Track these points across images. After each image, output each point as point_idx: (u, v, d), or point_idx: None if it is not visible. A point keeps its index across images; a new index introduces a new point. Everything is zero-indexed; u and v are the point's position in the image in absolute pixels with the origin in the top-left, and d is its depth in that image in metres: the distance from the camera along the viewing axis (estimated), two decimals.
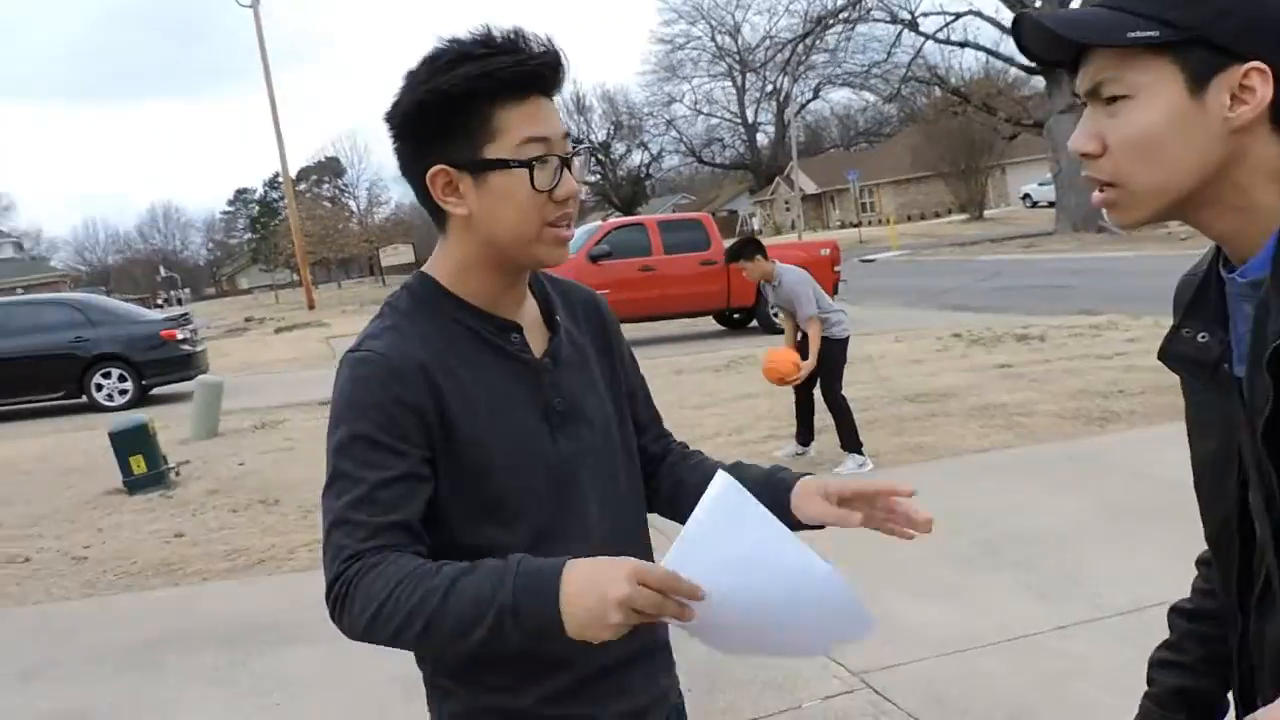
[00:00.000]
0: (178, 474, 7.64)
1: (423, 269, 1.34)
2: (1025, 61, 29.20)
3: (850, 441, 6.33)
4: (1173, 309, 1.10)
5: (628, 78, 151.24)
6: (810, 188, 57.96)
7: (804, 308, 6.20)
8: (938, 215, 51.07)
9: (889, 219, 43.43)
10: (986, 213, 45.64)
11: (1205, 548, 1.18)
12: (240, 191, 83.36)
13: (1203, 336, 1.03)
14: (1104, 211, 1.04)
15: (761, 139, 73.22)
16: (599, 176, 71.24)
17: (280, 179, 42.94)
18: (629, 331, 11.73)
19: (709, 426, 7.96)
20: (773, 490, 1.35)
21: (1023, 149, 45.28)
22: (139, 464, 7.29)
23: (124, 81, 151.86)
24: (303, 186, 62.26)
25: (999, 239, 31.75)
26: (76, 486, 7.81)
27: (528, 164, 1.19)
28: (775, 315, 6.81)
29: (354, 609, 1.12)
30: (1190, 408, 1.10)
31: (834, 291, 14.57)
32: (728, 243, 15.04)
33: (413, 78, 1.21)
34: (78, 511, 7.00)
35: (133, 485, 7.28)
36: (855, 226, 47.16)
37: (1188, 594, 1.29)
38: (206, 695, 3.82)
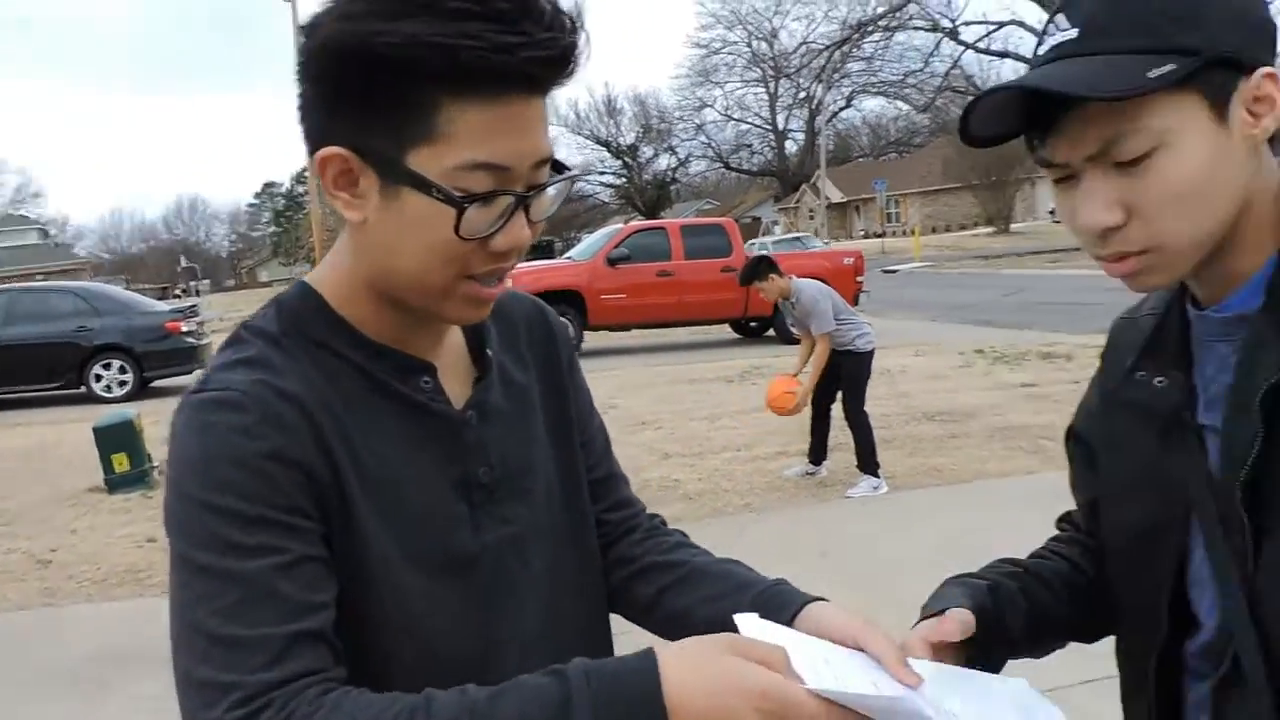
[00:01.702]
0: (161, 473, 7.35)
1: (306, 278, 0.94)
2: None
3: (868, 462, 5.96)
4: (1108, 352, 1.04)
5: (661, 81, 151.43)
6: (836, 196, 57.43)
7: (819, 323, 5.85)
8: (963, 228, 50.42)
9: (914, 230, 42.86)
10: (1013, 226, 44.98)
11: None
12: (267, 185, 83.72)
13: (1160, 381, 0.93)
14: (1131, 282, 0.88)
15: (790, 146, 72.78)
16: (624, 179, 71.02)
17: (306, 173, 42.93)
18: (645, 337, 11.40)
19: (717, 441, 7.60)
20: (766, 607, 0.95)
21: None
22: (121, 462, 7.03)
23: (157, 75, 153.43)
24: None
25: (1024, 253, 31.25)
26: (58, 483, 7.55)
27: (460, 204, 0.79)
28: (793, 327, 6.48)
29: None
30: (1114, 465, 1.00)
31: (855, 302, 14.21)
32: (749, 243, 14.82)
33: (346, 5, 0.79)
34: (54, 511, 6.74)
35: (113, 484, 7.01)
36: (879, 237, 46.62)
37: None
38: None
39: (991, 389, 8.98)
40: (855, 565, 4.68)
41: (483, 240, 0.82)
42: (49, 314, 12.79)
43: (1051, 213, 47.48)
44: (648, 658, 0.73)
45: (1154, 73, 0.77)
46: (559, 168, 0.88)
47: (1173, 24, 0.79)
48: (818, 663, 0.78)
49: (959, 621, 0.94)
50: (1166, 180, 0.80)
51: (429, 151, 0.79)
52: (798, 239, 30.29)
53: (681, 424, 8.33)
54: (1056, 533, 1.21)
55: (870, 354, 6.02)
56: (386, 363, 0.90)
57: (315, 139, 0.83)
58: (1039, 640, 1.06)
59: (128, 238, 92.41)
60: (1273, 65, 0.82)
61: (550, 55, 0.78)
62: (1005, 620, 1.00)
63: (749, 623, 0.83)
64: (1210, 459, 0.89)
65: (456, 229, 0.80)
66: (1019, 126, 0.85)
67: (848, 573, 4.58)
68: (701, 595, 1.01)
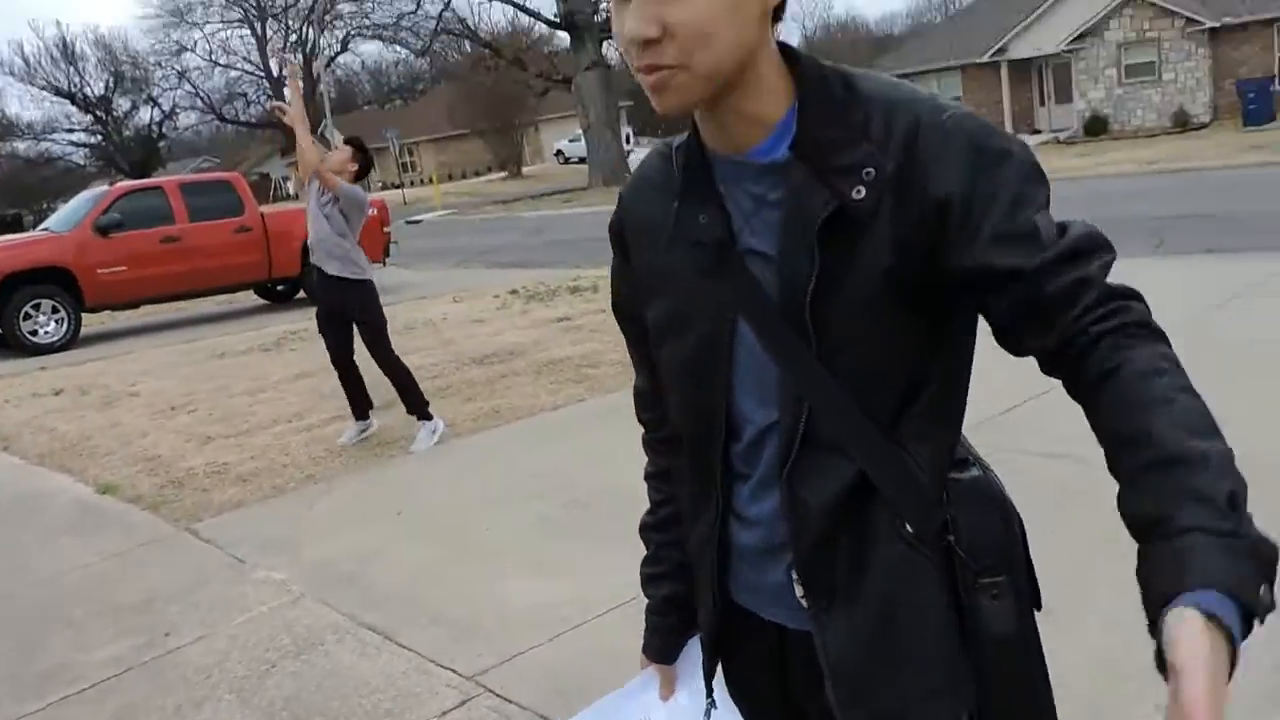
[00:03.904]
0: None
1: None
2: (549, 17, 29.84)
3: (416, 406, 5.86)
4: (624, 217, 1.21)
5: (127, 20, 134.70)
6: None
7: (350, 196, 5.54)
8: (479, 174, 51.68)
9: (432, 178, 43.08)
10: (525, 169, 47.05)
11: (656, 463, 1.35)
12: None
13: (703, 217, 1.08)
14: (654, 98, 1.02)
15: (289, 95, 68.91)
16: (100, 137, 62.76)
17: None
18: (153, 314, 10.23)
19: (264, 415, 7.11)
20: None
21: (554, 106, 47.11)
22: None
23: None
24: None
25: (538, 195, 32.84)
26: None
27: None
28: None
29: None
30: (664, 309, 1.15)
31: (385, 254, 13.98)
32: (264, 209, 13.87)
33: None
34: None
35: None
36: (397, 187, 46.22)
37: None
38: None
39: (531, 327, 9.39)
40: (433, 518, 4.69)
41: None
42: None
43: (558, 154, 50.44)
44: None
45: None
46: None
47: None
48: None
49: (670, 681, 1.35)
50: (694, 8, 0.95)
51: None
52: None
53: (220, 402, 7.67)
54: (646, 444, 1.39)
55: (366, 285, 5.66)
56: None
57: None
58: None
59: None
60: None
61: None
62: (687, 634, 1.35)
63: None
64: (763, 281, 1.06)
65: None
66: None
67: (426, 527, 4.57)
68: None
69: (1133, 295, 0.98)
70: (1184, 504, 0.80)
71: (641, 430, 1.38)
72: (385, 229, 14.05)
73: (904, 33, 61.62)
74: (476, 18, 36.16)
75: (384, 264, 13.90)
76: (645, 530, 1.37)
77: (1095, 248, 0.98)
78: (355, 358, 5.92)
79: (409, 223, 27.56)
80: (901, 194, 0.99)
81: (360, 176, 5.77)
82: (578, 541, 4.17)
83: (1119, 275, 0.99)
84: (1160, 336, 0.95)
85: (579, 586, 3.68)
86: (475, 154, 51.67)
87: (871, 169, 0.99)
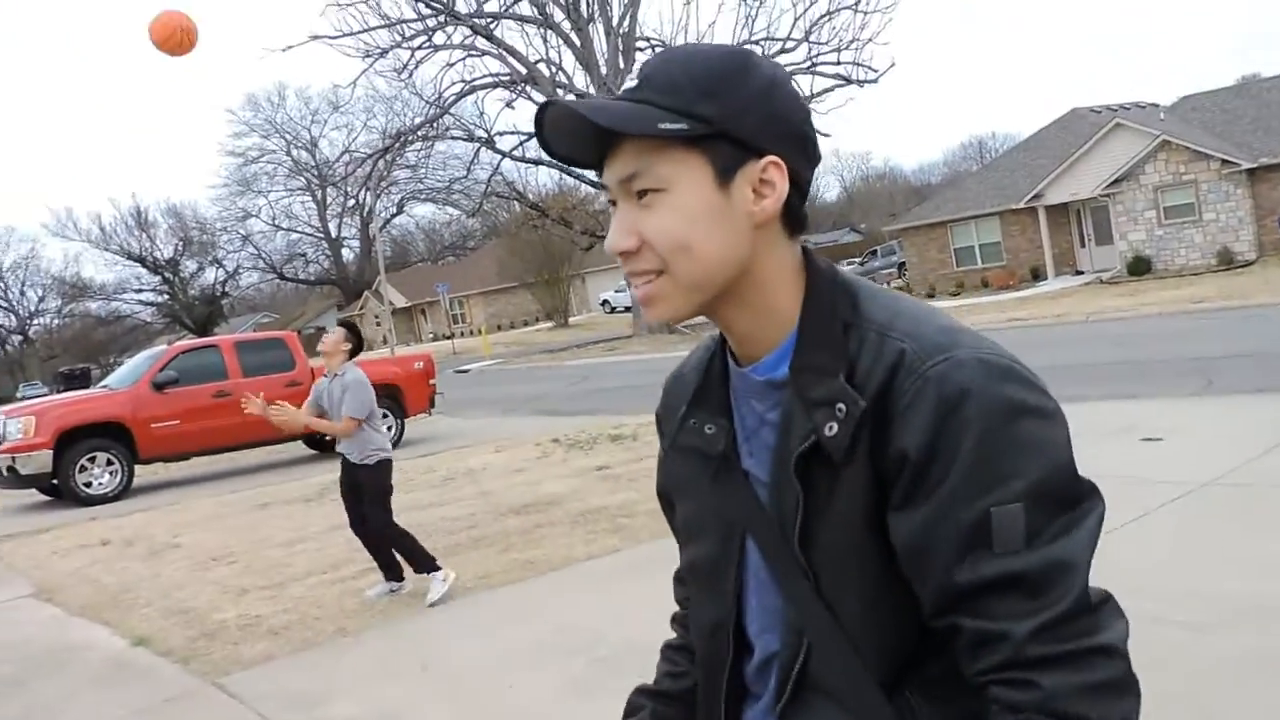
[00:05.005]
0: None
1: None
2: (594, 178, 31.61)
3: (423, 565, 5.87)
4: (662, 408, 1.15)
5: (197, 191, 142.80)
6: (400, 301, 57.57)
7: (354, 408, 5.81)
8: (526, 324, 52.89)
9: (481, 329, 44.15)
10: (571, 319, 48.05)
11: (683, 639, 1.23)
12: None
13: (710, 428, 1.04)
14: (644, 309, 0.99)
15: (347, 254, 71.96)
16: (167, 296, 65.59)
17: None
18: (203, 465, 10.44)
19: (300, 566, 7.13)
20: None
21: (599, 258, 48.49)
22: None
23: None
24: None
25: (584, 344, 33.39)
26: None
27: None
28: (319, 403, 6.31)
29: None
30: (686, 510, 1.10)
31: (430, 405, 14.22)
32: (315, 362, 14.26)
33: None
34: None
35: None
36: (448, 338, 47.39)
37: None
38: None
39: (569, 476, 9.39)
40: (460, 673, 4.61)
41: None
42: None
43: (604, 304, 51.56)
44: None
45: (664, 125, 0.91)
46: None
47: (697, 94, 0.93)
48: None
49: None
50: (664, 220, 0.93)
51: None
52: None
53: (258, 553, 7.72)
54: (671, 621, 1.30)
55: (379, 465, 5.97)
56: None
57: None
58: None
59: None
60: (789, 161, 0.96)
61: None
62: None
63: None
64: (762, 500, 1.00)
65: None
66: (589, 152, 0.97)
67: (453, 682, 4.49)
68: None
69: (1051, 663, 0.85)
70: None
71: (676, 608, 1.29)
72: (431, 381, 14.34)
73: (941, 182, 63.02)
74: (524, 181, 37.76)
75: (429, 414, 14.15)
76: (639, 695, 1.23)
77: (1053, 589, 0.86)
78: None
79: (457, 372, 28.10)
80: (875, 435, 0.91)
81: (353, 355, 6.13)
82: (600, 702, 4.05)
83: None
84: None
85: None
86: (523, 305, 53.01)
87: (843, 405, 0.91)
